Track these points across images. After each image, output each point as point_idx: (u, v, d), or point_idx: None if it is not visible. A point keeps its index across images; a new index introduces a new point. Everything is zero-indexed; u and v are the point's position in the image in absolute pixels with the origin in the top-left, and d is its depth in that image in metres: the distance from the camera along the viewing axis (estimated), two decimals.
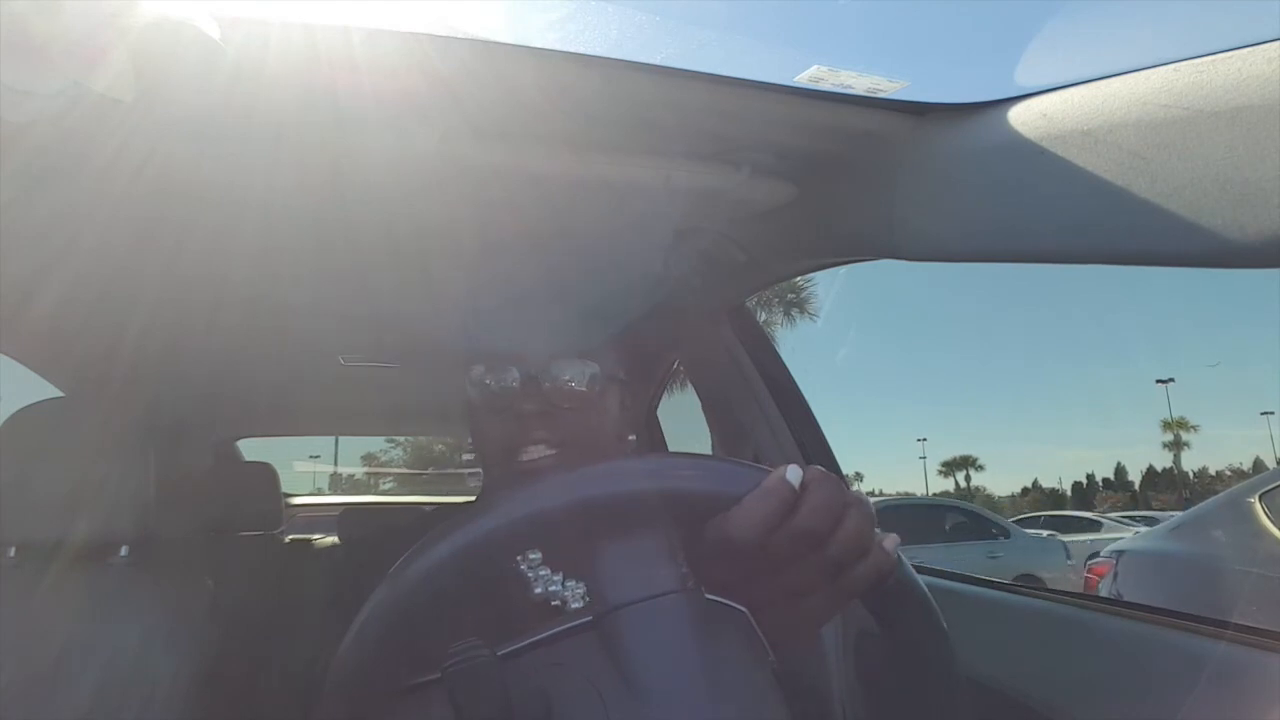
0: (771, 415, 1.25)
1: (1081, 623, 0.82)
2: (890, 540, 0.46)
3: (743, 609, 0.46)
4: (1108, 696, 0.74)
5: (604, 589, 0.45)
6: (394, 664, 0.45)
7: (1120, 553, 2.34)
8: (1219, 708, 0.63)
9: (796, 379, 1.29)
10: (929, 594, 0.50)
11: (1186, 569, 1.97)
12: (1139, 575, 2.18)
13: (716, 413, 1.37)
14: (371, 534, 0.70)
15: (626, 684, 0.42)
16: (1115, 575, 2.21)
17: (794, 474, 0.43)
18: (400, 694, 0.46)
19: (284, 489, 1.89)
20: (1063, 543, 8.06)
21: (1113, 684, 0.74)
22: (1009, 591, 0.99)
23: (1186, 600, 1.88)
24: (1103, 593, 2.20)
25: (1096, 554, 2.81)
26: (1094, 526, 11.66)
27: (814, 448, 1.24)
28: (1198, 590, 1.80)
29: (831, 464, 1.26)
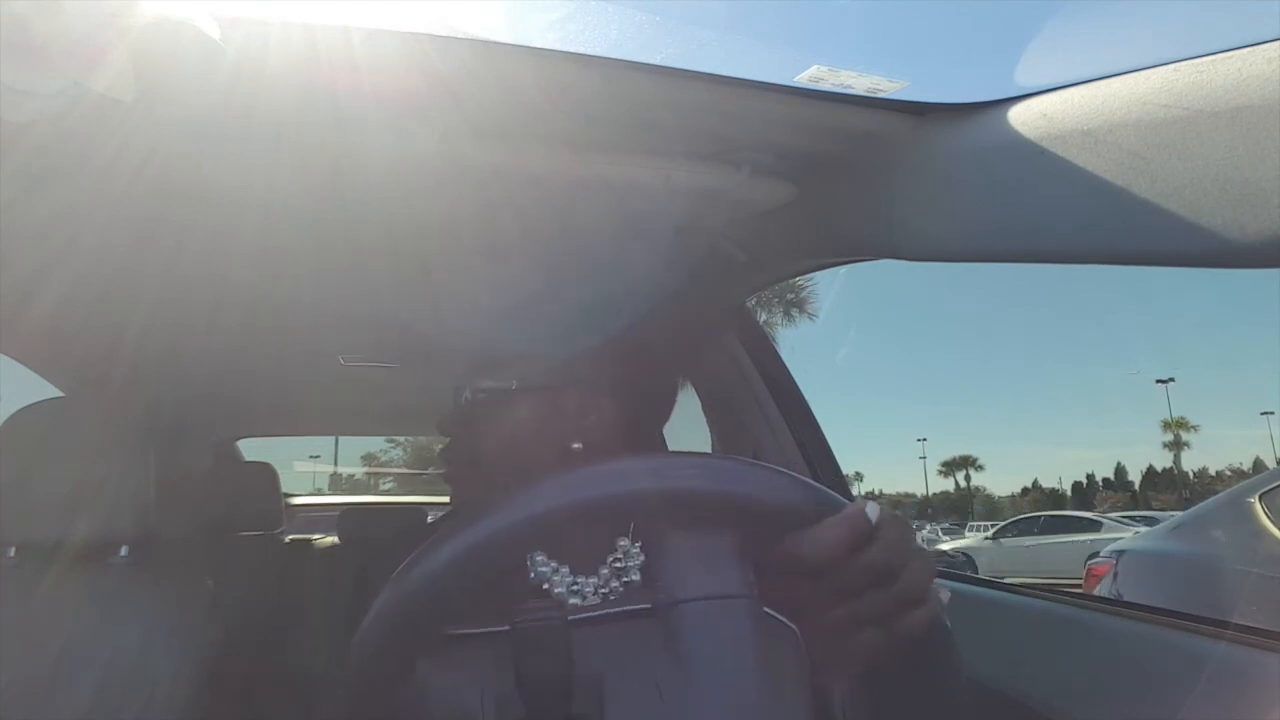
0: (771, 415, 1.25)
1: (1081, 623, 0.82)
2: (945, 593, 0.47)
3: (794, 628, 0.47)
4: (1108, 696, 0.74)
5: (671, 581, 0.46)
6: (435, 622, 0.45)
7: (1120, 553, 2.34)
8: (1219, 708, 0.63)
9: (796, 379, 1.29)
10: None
11: (1186, 569, 1.97)
12: (1139, 575, 2.18)
13: (716, 413, 1.37)
14: (371, 534, 0.70)
15: (684, 675, 0.43)
16: (1115, 575, 2.21)
17: (872, 509, 0.45)
18: (442, 641, 0.46)
19: (284, 489, 1.89)
20: None
21: (1113, 684, 0.74)
22: (1009, 591, 0.99)
23: (1186, 600, 1.88)
24: (1103, 593, 2.19)
25: (1096, 554, 2.81)
26: (1094, 526, 11.67)
27: (814, 448, 1.24)
28: (1198, 590, 1.80)
29: (831, 464, 1.26)
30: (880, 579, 0.45)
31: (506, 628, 0.45)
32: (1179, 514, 2.84)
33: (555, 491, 0.43)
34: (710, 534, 0.46)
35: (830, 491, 0.47)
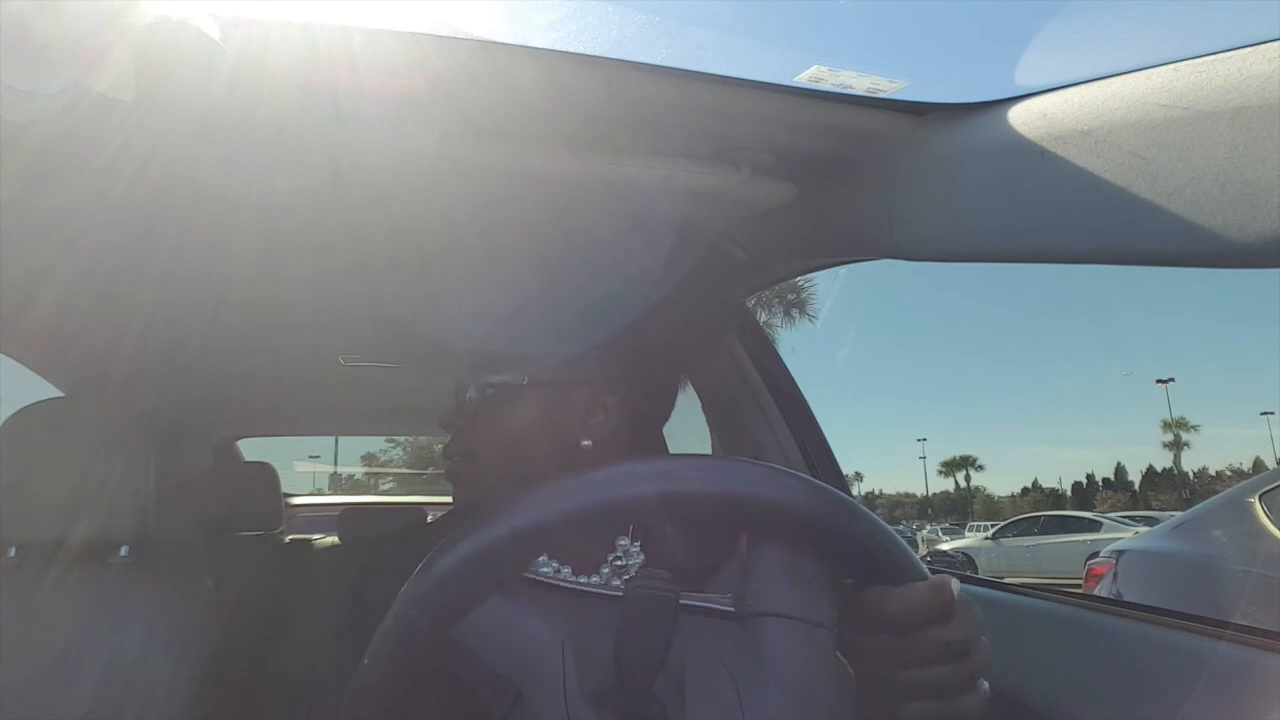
0: (772, 415, 1.25)
1: (1081, 623, 0.82)
2: (984, 684, 0.48)
3: (852, 674, 0.48)
4: (1108, 696, 0.74)
5: (762, 591, 0.46)
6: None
7: (1120, 553, 2.34)
8: (1219, 708, 0.63)
9: (797, 379, 1.29)
10: None
11: (1186, 569, 1.97)
12: (1139, 575, 2.18)
13: (717, 413, 1.37)
14: (371, 534, 0.71)
15: (760, 683, 0.43)
16: (1115, 575, 2.21)
17: (955, 585, 0.46)
18: (521, 584, 0.47)
19: (284, 489, 1.89)
20: None
21: (1113, 684, 0.74)
22: (1009, 591, 0.99)
23: (1186, 600, 1.88)
24: (1103, 593, 2.19)
25: (1096, 554, 2.81)
26: (1094, 526, 11.66)
27: (814, 448, 1.24)
28: (1198, 590, 1.80)
29: (831, 464, 1.26)
30: (959, 653, 0.46)
31: (591, 584, 0.46)
32: (1179, 514, 2.84)
33: (702, 482, 0.44)
34: (813, 562, 0.47)
35: (919, 559, 0.48)
